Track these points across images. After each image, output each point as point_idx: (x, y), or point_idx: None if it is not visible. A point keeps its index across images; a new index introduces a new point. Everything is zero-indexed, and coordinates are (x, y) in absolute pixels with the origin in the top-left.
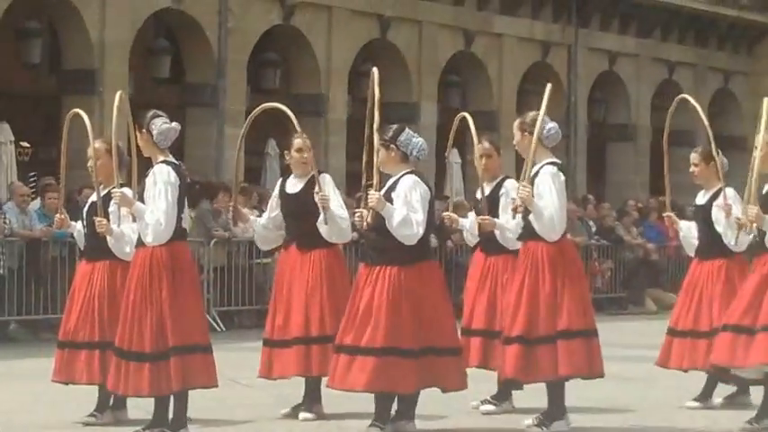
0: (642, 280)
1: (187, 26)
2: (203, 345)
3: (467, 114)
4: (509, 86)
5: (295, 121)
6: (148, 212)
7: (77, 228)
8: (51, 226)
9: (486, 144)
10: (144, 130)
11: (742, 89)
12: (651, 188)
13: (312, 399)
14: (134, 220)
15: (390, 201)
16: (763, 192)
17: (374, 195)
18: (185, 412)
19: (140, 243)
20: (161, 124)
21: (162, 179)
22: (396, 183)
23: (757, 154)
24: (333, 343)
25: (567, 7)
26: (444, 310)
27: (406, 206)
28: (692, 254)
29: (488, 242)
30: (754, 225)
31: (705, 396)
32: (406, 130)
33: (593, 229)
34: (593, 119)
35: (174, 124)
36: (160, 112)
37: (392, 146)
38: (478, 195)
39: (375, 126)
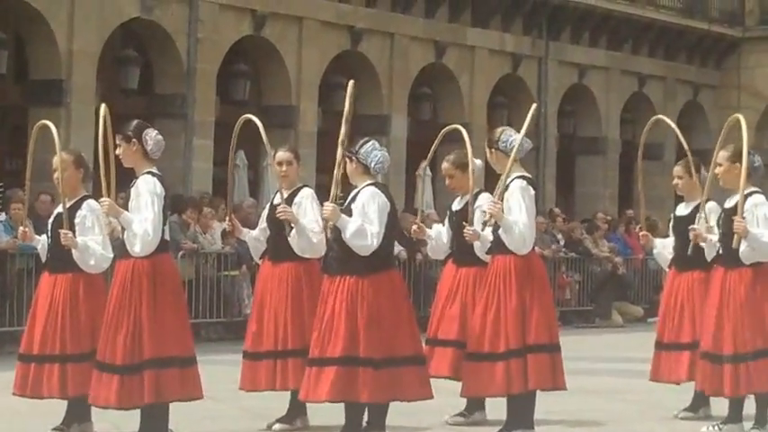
0: (609, 293)
1: (156, 36)
2: (182, 357)
3: (460, 126)
4: (480, 99)
5: (265, 137)
6: (136, 222)
7: (42, 240)
8: (17, 238)
9: (446, 164)
10: (134, 141)
11: (710, 103)
12: (620, 201)
13: (296, 411)
14: (122, 230)
15: (351, 212)
16: (725, 206)
17: (328, 207)
18: (165, 428)
19: (122, 255)
20: (155, 135)
21: (148, 189)
22: (357, 195)
23: (743, 170)
24: (298, 358)
25: (538, 20)
26: (404, 320)
27: (362, 217)
28: (666, 268)
29: (460, 254)
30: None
31: (697, 406)
32: (371, 142)
33: (561, 241)
34: (563, 131)
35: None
36: (146, 123)
37: (353, 158)
38: (454, 207)
39: (340, 138)
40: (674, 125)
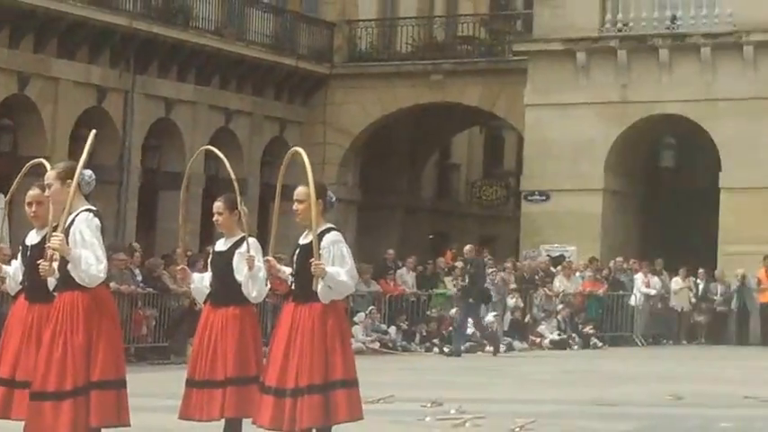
0: (186, 329)
1: None
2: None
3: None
4: (63, 131)
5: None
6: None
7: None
8: None
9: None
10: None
11: (296, 138)
12: (201, 236)
13: None
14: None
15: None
16: (300, 242)
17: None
18: None
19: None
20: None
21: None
22: None
23: (312, 206)
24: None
25: (126, 53)
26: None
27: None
28: (202, 302)
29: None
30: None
31: None
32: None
33: (139, 277)
34: (147, 166)
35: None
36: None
37: None
38: (28, 242)
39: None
40: (222, 156)
